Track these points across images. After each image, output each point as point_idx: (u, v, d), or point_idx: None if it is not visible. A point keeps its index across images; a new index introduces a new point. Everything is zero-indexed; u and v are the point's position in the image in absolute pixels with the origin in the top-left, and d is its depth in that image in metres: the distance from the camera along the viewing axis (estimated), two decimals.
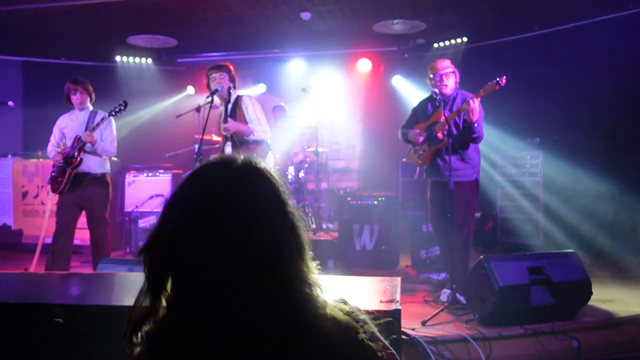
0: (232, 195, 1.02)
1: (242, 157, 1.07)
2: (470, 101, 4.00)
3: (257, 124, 4.54)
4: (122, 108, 4.67)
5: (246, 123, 4.53)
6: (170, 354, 0.98)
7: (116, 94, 8.01)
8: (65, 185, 4.62)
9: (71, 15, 6.45)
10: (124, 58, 8.44)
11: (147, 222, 6.76)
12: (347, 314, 1.04)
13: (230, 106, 4.64)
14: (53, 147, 4.88)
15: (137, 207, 6.79)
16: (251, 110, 4.58)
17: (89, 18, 6.64)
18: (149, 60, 8.57)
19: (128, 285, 2.81)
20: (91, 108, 4.90)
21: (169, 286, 1.02)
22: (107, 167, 4.88)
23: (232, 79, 4.62)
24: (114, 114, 4.68)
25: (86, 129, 4.69)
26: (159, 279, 1.00)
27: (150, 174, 7.12)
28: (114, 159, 7.37)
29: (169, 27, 7.22)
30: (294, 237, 1.04)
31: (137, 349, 1.01)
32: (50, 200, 5.59)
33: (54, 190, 4.72)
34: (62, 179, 4.61)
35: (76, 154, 4.62)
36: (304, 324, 0.99)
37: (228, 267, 0.97)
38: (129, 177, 7.09)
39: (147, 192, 6.94)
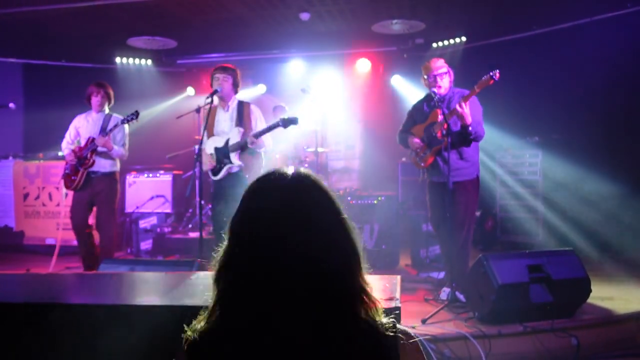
0: (291, 206, 1.08)
1: (292, 169, 1.14)
2: (458, 107, 4.01)
3: (266, 137, 4.60)
4: (135, 117, 4.92)
5: (249, 130, 4.57)
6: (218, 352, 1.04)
7: (116, 96, 8.00)
8: (78, 183, 4.95)
9: (71, 17, 6.48)
10: (124, 59, 8.47)
11: (148, 223, 6.78)
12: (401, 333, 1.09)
13: (235, 113, 4.64)
14: (67, 144, 5.18)
15: (137, 207, 6.82)
16: (260, 123, 4.64)
17: (89, 20, 6.65)
18: (149, 62, 8.59)
19: (130, 285, 2.83)
20: (107, 111, 5.16)
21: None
22: (117, 166, 5.15)
23: (235, 84, 4.64)
24: (126, 121, 4.94)
25: (100, 131, 4.97)
26: (233, 294, 1.07)
27: (150, 175, 7.14)
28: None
29: (168, 29, 7.24)
30: (350, 244, 1.11)
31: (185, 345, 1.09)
32: (63, 201, 5.81)
33: (67, 186, 5.04)
34: (76, 177, 4.94)
35: (89, 155, 4.92)
36: (362, 337, 1.04)
37: (292, 280, 1.03)
38: (130, 178, 7.11)
39: (148, 192, 6.97)
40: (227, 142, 4.56)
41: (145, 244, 6.60)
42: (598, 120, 6.41)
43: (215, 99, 4.58)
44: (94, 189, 4.98)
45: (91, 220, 5.17)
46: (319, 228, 1.07)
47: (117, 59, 8.42)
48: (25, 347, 2.22)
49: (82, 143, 5.06)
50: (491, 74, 3.93)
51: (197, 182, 4.43)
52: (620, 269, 5.16)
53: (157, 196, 6.91)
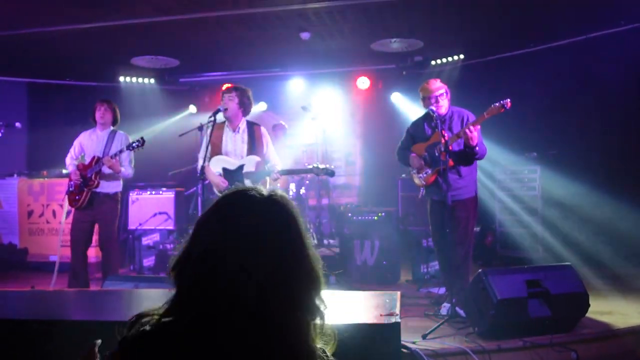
0: (258, 223, 1.10)
1: (268, 189, 1.16)
2: (467, 130, 4.07)
3: (276, 162, 4.68)
4: (141, 145, 4.93)
5: (262, 155, 4.65)
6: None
7: (120, 114, 8.13)
8: (82, 203, 4.96)
9: (76, 37, 6.59)
10: (128, 78, 8.58)
11: (151, 240, 6.83)
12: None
13: (246, 135, 4.65)
14: (72, 159, 5.18)
15: (140, 224, 6.86)
16: (270, 148, 4.71)
17: (94, 40, 6.77)
18: (152, 80, 8.70)
19: (134, 301, 2.88)
20: (112, 129, 5.17)
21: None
22: (120, 187, 5.18)
23: (241, 103, 4.64)
24: (132, 148, 4.95)
25: (104, 149, 5.00)
26: (186, 291, 1.08)
27: (153, 192, 7.19)
28: None
29: (171, 48, 7.36)
30: (309, 271, 1.11)
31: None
32: (64, 218, 5.81)
33: (71, 204, 5.06)
34: (80, 197, 4.95)
35: (94, 176, 4.94)
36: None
37: (240, 297, 1.04)
38: (133, 195, 7.16)
39: (151, 209, 7.02)
40: (240, 167, 4.56)
41: (148, 261, 6.64)
42: (595, 136, 6.48)
43: (221, 116, 4.61)
44: (95, 209, 5.01)
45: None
46: (282, 249, 1.08)
47: (121, 78, 8.54)
48: None
49: (87, 160, 5.08)
50: (502, 102, 3.95)
51: (199, 199, 4.48)
52: (619, 283, 5.20)
53: (160, 213, 6.96)
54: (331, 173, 4.44)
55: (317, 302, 1.11)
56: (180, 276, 1.10)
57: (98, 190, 4.98)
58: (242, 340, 1.02)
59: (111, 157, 4.89)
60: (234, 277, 1.04)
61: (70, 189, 5.07)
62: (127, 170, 5.08)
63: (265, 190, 1.15)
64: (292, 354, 1.06)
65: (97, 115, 5.12)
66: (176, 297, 1.10)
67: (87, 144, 5.16)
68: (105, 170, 4.96)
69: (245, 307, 1.03)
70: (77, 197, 4.99)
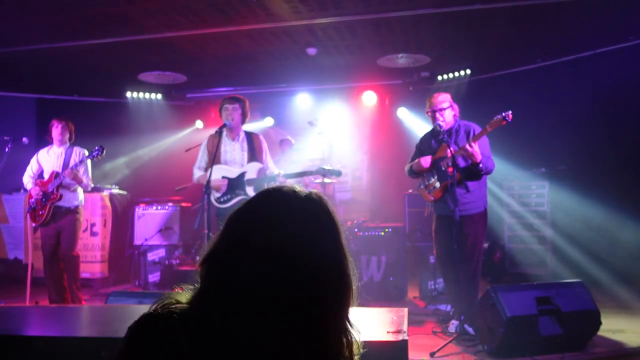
0: (294, 220, 1.03)
1: (308, 190, 1.11)
2: (467, 147, 4.04)
3: (274, 170, 4.69)
4: (100, 153, 5.07)
5: (262, 162, 4.67)
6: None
7: (127, 129, 8.19)
8: (46, 218, 5.08)
9: (84, 53, 6.64)
10: (135, 94, 8.63)
11: (156, 255, 6.80)
12: None
13: (245, 143, 4.68)
14: (30, 178, 5.30)
15: (146, 240, 6.84)
16: (268, 156, 4.74)
17: (102, 56, 6.82)
18: (159, 96, 8.74)
19: (137, 318, 2.84)
20: (68, 145, 5.31)
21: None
22: (80, 200, 5.29)
23: (244, 114, 4.70)
24: (92, 157, 5.10)
25: (63, 164, 5.13)
26: (213, 287, 1.02)
27: (159, 207, 7.19)
28: (124, 192, 7.50)
29: (178, 64, 7.40)
30: (344, 277, 1.04)
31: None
32: (32, 233, 5.83)
33: (34, 220, 5.17)
34: (44, 212, 5.08)
35: (55, 189, 5.07)
36: None
37: (275, 297, 0.97)
38: (139, 211, 7.16)
39: (157, 225, 7.00)
40: (242, 175, 4.58)
41: (153, 277, 6.61)
42: (604, 151, 6.43)
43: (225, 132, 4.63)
44: (59, 223, 5.14)
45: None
46: (318, 251, 1.01)
47: (128, 94, 8.59)
48: None
49: (46, 177, 5.18)
50: (504, 114, 3.93)
51: (205, 215, 4.45)
52: (631, 302, 5.11)
53: (166, 228, 6.94)
54: (338, 173, 4.43)
55: (345, 313, 1.04)
56: (206, 269, 1.04)
57: (60, 204, 5.11)
58: (260, 339, 0.95)
59: (72, 169, 5.01)
60: (262, 270, 0.97)
61: (32, 206, 5.16)
62: (86, 181, 5.21)
63: (300, 188, 1.10)
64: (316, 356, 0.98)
65: (55, 133, 5.26)
66: (200, 287, 1.04)
67: (45, 161, 5.28)
68: (66, 182, 5.08)
69: (269, 302, 0.96)
70: (40, 213, 5.11)
